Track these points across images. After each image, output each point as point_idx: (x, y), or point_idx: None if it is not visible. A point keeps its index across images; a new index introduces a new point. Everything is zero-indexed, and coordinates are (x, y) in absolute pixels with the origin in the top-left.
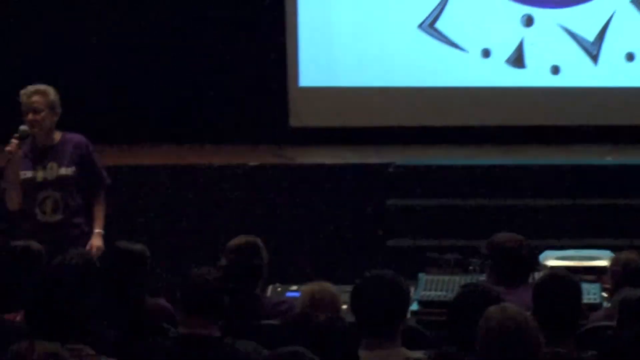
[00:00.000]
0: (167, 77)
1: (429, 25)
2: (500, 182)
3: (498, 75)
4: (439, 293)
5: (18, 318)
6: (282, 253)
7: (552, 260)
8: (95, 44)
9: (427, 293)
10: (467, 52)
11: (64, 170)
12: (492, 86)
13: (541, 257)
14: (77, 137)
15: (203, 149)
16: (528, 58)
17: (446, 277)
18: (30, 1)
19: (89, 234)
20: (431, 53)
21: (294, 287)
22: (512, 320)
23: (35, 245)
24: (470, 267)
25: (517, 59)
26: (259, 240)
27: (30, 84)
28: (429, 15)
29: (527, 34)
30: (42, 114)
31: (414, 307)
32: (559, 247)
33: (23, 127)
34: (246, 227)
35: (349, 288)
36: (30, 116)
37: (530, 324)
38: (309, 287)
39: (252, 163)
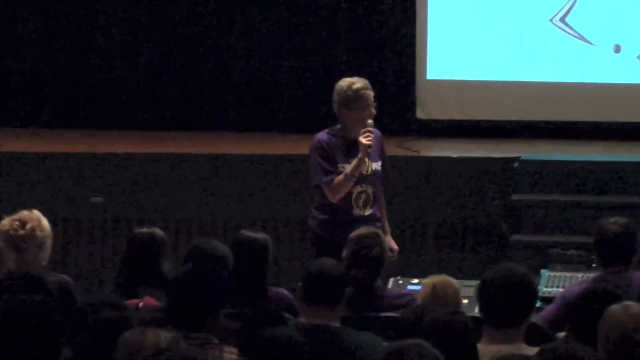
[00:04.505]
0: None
1: (560, 19)
2: (628, 178)
3: (629, 71)
4: (561, 290)
5: (141, 305)
6: (405, 246)
7: None
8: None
9: (549, 290)
10: (598, 47)
11: (375, 165)
12: (622, 82)
13: None
14: (377, 131)
15: None
16: None
17: (569, 274)
18: None
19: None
20: (561, 47)
21: (416, 280)
22: (635, 319)
23: (159, 232)
24: (594, 265)
25: None
26: (380, 231)
27: None
28: (561, 9)
29: None
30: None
31: (536, 303)
32: None
33: (371, 121)
34: None
35: (471, 282)
36: (373, 110)
37: None
38: (430, 280)
39: None
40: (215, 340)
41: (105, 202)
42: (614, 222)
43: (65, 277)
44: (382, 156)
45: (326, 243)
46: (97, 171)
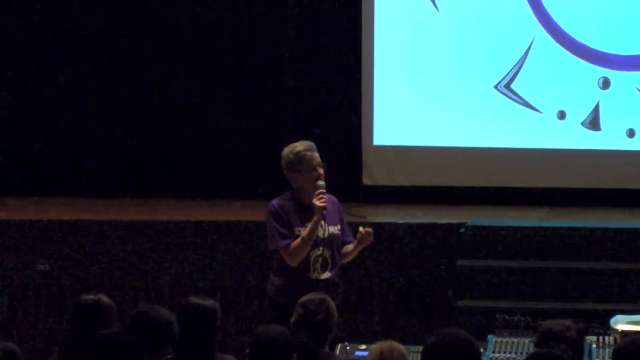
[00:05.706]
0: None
1: (505, 86)
2: (572, 244)
3: (573, 137)
4: (508, 355)
5: None
6: (352, 311)
7: (623, 324)
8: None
9: (496, 355)
10: (543, 113)
11: (332, 228)
12: (566, 148)
13: (612, 321)
14: (332, 197)
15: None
16: (603, 121)
17: (515, 340)
18: None
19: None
20: (506, 114)
21: (363, 346)
22: None
23: (105, 299)
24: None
25: (593, 122)
26: (327, 297)
27: None
28: (505, 76)
29: (603, 96)
30: None
31: None
32: (631, 311)
33: (322, 182)
34: None
35: (418, 348)
36: (321, 171)
37: None
38: (378, 346)
39: None
40: None
41: (52, 269)
42: (567, 328)
43: (11, 345)
44: (340, 220)
45: (284, 309)
46: (43, 238)
